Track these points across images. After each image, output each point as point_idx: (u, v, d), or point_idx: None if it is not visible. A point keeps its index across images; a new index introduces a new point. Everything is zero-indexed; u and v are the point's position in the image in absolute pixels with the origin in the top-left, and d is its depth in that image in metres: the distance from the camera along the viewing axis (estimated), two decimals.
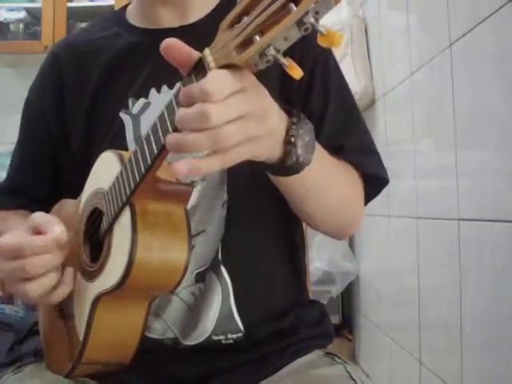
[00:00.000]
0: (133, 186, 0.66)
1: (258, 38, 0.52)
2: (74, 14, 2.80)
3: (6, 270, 0.70)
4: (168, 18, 0.88)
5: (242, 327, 0.81)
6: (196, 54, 0.58)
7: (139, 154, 0.64)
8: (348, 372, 0.80)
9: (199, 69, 0.57)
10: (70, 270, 0.71)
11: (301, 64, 0.54)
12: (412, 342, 1.82)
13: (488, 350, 1.28)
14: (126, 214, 0.68)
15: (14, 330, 1.75)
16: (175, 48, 0.58)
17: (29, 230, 0.71)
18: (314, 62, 0.84)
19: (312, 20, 0.50)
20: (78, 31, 1.03)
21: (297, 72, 0.53)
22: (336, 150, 0.82)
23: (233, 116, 0.54)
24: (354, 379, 0.79)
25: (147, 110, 0.84)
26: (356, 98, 2.25)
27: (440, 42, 1.50)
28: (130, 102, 0.85)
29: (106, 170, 0.75)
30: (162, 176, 0.67)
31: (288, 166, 0.66)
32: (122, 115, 0.85)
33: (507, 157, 1.18)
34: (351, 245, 2.64)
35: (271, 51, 0.52)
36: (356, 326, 2.67)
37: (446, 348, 1.53)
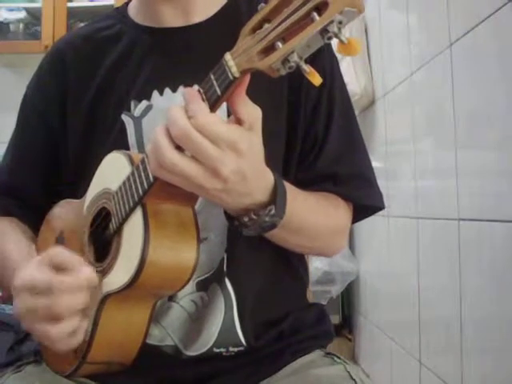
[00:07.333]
0: (146, 187, 0.66)
1: (280, 44, 0.54)
2: (74, 14, 2.80)
3: (30, 306, 0.64)
4: (170, 17, 0.87)
5: (243, 341, 0.81)
6: None
7: None
8: (348, 372, 0.80)
9: (220, 72, 0.58)
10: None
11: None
12: (412, 342, 1.82)
13: (488, 350, 1.28)
14: (138, 214, 0.68)
15: (14, 329, 1.75)
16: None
17: (47, 265, 0.65)
18: (322, 77, 0.84)
19: (335, 29, 0.51)
20: (80, 28, 1.00)
21: (317, 79, 0.55)
22: (329, 178, 0.83)
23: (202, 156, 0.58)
24: (353, 379, 0.79)
25: (149, 113, 0.83)
26: (356, 98, 2.27)
27: (440, 42, 1.50)
28: (132, 104, 0.84)
29: (113, 170, 0.75)
30: None
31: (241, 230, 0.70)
32: (124, 117, 0.84)
33: (507, 157, 1.18)
34: (351, 245, 2.64)
35: (294, 58, 0.53)
36: (356, 325, 2.67)
37: (446, 348, 1.53)
